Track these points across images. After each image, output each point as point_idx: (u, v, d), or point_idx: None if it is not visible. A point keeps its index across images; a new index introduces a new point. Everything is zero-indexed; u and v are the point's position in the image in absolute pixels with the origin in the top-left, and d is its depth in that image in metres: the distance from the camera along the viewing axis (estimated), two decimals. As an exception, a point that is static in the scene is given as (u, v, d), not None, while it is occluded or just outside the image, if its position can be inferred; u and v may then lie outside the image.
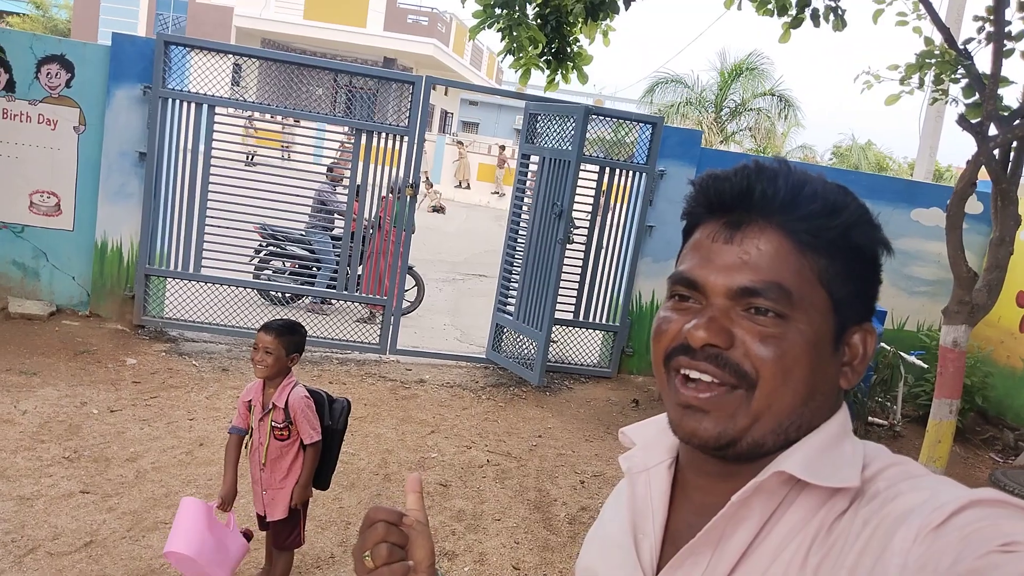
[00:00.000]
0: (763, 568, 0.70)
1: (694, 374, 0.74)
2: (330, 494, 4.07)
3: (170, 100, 6.05)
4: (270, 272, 7.36)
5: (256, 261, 7.25)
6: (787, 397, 0.72)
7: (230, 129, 6.43)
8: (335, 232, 7.00)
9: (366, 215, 6.49)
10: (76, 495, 3.74)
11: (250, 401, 3.05)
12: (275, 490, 3.03)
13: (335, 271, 6.59)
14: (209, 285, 6.36)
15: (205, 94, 6.08)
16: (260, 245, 7.24)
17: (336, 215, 7.04)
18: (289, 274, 7.10)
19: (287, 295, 7.39)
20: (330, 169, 7.25)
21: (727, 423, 0.72)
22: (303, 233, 7.14)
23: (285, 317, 3.52)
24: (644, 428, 0.90)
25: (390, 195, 6.49)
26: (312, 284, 7.09)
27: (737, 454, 0.74)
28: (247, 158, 8.14)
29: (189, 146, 6.14)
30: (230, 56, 6.26)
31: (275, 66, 6.32)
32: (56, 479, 3.86)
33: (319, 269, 7.03)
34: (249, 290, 6.48)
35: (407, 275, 8.21)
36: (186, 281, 6.33)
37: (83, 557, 3.27)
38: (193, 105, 6.09)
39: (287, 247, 7.26)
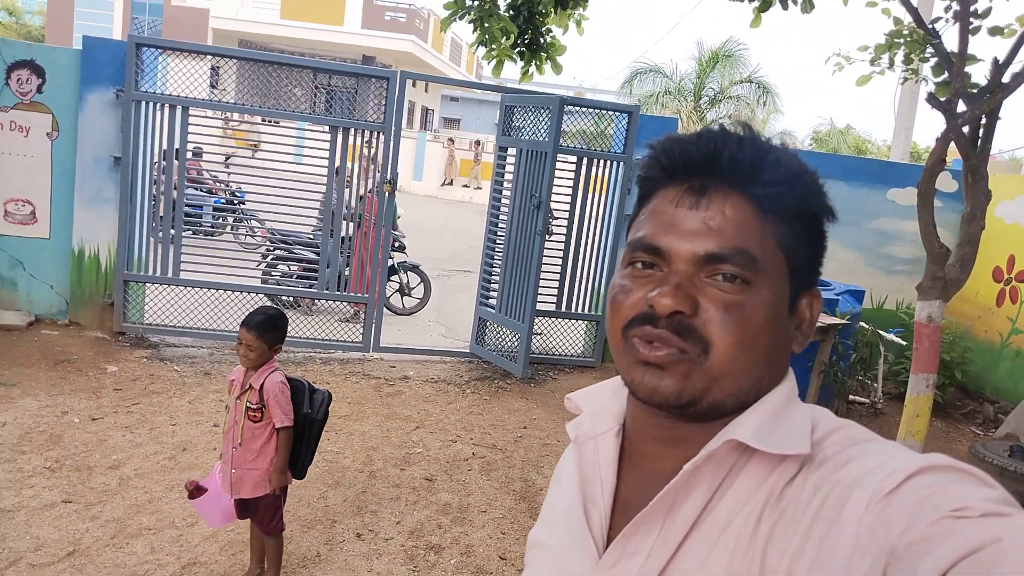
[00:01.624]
0: (715, 536, 0.69)
1: (654, 351, 0.72)
2: (315, 492, 4.08)
3: (144, 103, 6.00)
4: (279, 276, 7.38)
5: (263, 265, 7.33)
6: (747, 362, 0.71)
7: (206, 131, 6.39)
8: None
9: (346, 213, 6.47)
10: (58, 505, 3.72)
11: (233, 380, 3.15)
12: (244, 470, 3.08)
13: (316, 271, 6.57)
14: (189, 289, 6.33)
15: (179, 95, 6.04)
16: (268, 249, 7.26)
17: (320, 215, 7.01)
18: (297, 277, 7.13)
19: (295, 298, 7.41)
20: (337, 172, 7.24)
21: (685, 382, 0.71)
22: (311, 236, 7.15)
23: (266, 306, 3.56)
24: (591, 394, 0.89)
25: (370, 193, 6.48)
26: (298, 285, 7.08)
27: (696, 413, 0.73)
28: (225, 160, 8.12)
29: (165, 148, 6.10)
30: (206, 57, 6.22)
31: (252, 66, 6.28)
32: (38, 489, 3.84)
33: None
34: (229, 292, 6.45)
35: (415, 275, 8.23)
36: (166, 286, 6.30)
37: (66, 567, 3.25)
38: (167, 107, 6.05)
39: (294, 250, 7.26)
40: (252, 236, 10.01)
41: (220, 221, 10.08)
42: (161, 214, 6.13)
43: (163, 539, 3.52)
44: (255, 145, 8.11)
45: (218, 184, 10.56)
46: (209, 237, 9.85)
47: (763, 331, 0.72)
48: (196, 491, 3.08)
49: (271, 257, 7.33)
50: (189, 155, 8.70)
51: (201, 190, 10.87)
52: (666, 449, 0.77)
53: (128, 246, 6.13)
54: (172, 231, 6.17)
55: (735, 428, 0.71)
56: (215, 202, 10.92)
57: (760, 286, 0.72)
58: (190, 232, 9.32)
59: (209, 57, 6.25)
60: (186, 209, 9.27)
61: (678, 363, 0.71)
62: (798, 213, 0.75)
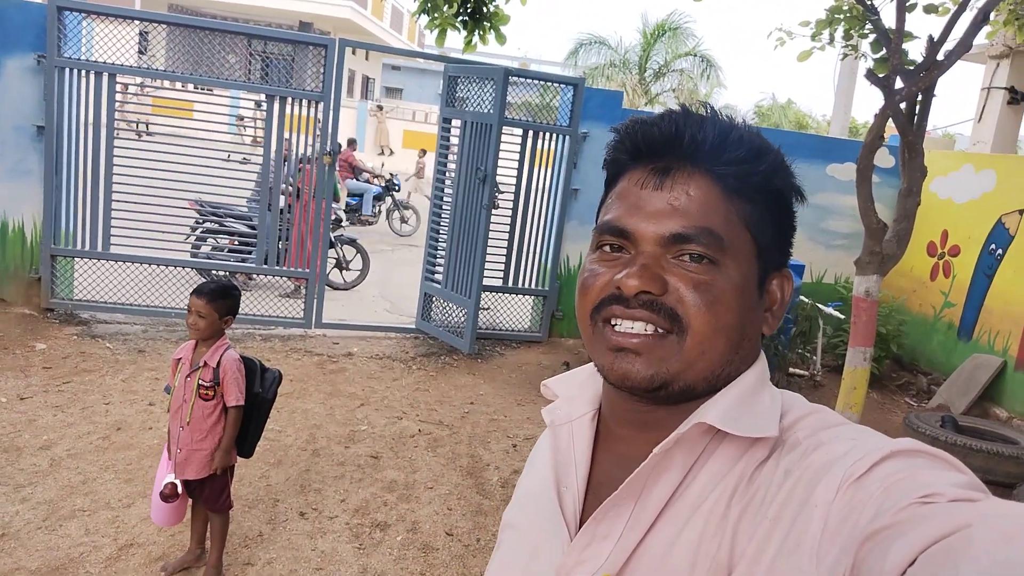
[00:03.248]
0: (685, 518, 0.69)
1: (626, 325, 0.72)
2: (257, 471, 4.00)
3: (67, 70, 5.72)
4: (208, 249, 7.16)
5: (193, 238, 7.05)
6: (720, 343, 0.71)
7: (133, 99, 6.12)
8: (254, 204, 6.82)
9: (284, 186, 6.31)
10: (-16, 488, 3.57)
11: (180, 359, 3.06)
12: (190, 450, 3.00)
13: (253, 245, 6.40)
14: (121, 264, 6.10)
15: (105, 62, 5.77)
16: (196, 222, 7.03)
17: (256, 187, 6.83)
18: (228, 250, 6.92)
19: (230, 273, 7.22)
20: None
21: (659, 365, 0.71)
22: (247, 208, 6.98)
23: (218, 278, 3.47)
24: (567, 380, 0.89)
25: (308, 164, 6.31)
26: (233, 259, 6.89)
27: (668, 396, 0.73)
28: (137, 128, 7.87)
29: (90, 118, 5.83)
30: (134, 23, 5.94)
31: (183, 32, 6.02)
32: (-39, 473, 3.67)
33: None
34: (163, 267, 6.24)
35: (352, 248, 8.11)
36: (96, 260, 6.05)
37: (-6, 552, 3.13)
38: (93, 75, 5.78)
39: (225, 223, 7.04)
40: (406, 223, 12.30)
41: (376, 210, 11.75)
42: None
43: (98, 521, 3.41)
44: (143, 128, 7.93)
45: (375, 174, 12.32)
46: (367, 225, 11.85)
47: (731, 310, 0.71)
48: (172, 495, 2.98)
49: (200, 230, 7.10)
50: (344, 146, 10.59)
51: (359, 179, 12.22)
52: (638, 433, 0.78)
53: (55, 219, 5.87)
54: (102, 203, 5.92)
55: (705, 411, 0.72)
56: (374, 191, 12.14)
57: (727, 266, 0.71)
58: (348, 222, 11.24)
59: (137, 22, 5.97)
60: (348, 200, 11.27)
61: (654, 347, 0.71)
62: (763, 192, 0.74)
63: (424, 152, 17.11)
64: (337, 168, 11.47)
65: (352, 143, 13.20)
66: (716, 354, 0.72)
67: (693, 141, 0.72)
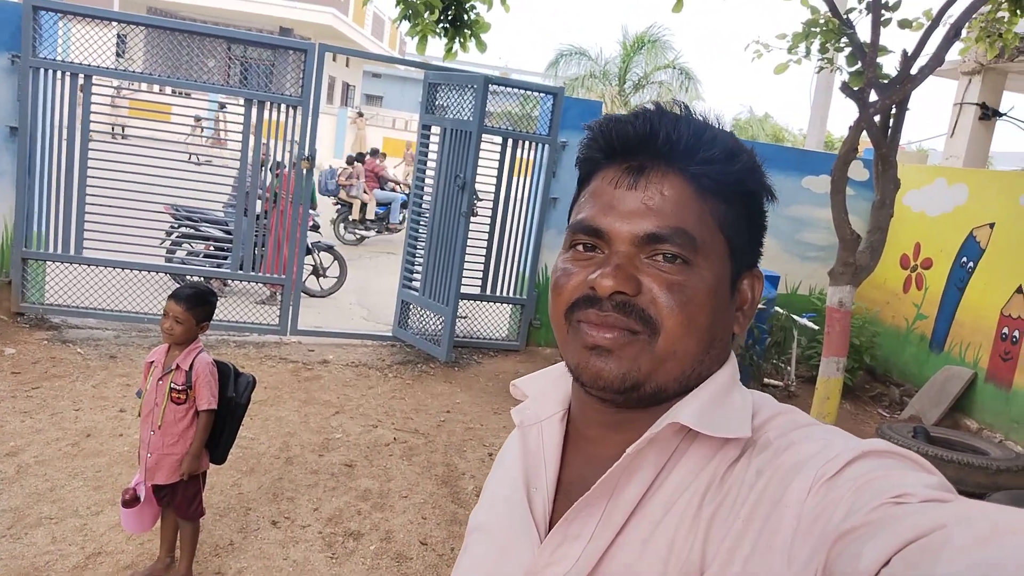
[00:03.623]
0: (657, 519, 0.69)
1: (597, 333, 0.71)
2: (229, 479, 3.95)
3: (42, 70, 5.65)
4: (183, 254, 7.09)
5: (168, 243, 6.99)
6: (691, 344, 0.71)
7: (109, 101, 6.06)
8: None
9: (260, 192, 6.26)
10: (-53, 496, 3.49)
11: (152, 362, 3.03)
12: (161, 454, 2.96)
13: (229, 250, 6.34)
14: (93, 268, 6.01)
15: (81, 64, 5.70)
16: (171, 227, 6.96)
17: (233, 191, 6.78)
18: (204, 256, 6.86)
19: (205, 278, 7.15)
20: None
21: (631, 365, 0.71)
22: (223, 213, 6.92)
23: (195, 282, 3.45)
24: (536, 380, 0.88)
25: (280, 168, 6.27)
26: (208, 264, 6.82)
27: (640, 398, 0.72)
28: (112, 131, 7.80)
29: (65, 119, 5.76)
30: (112, 24, 5.88)
31: (161, 35, 5.97)
32: (-77, 480, 3.59)
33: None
34: (136, 272, 6.16)
35: (329, 255, 8.07)
36: (68, 264, 5.96)
37: (-45, 561, 3.06)
38: (68, 76, 5.71)
39: (201, 228, 6.98)
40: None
41: (402, 218, 11.92)
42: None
43: (65, 528, 3.35)
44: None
45: (399, 182, 12.85)
46: (394, 232, 12.29)
47: (704, 311, 0.71)
48: (133, 501, 2.93)
49: (175, 235, 7.03)
50: (367, 155, 11.47)
51: (384, 188, 12.66)
52: (609, 433, 0.77)
53: (27, 222, 5.78)
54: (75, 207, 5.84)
55: (677, 411, 0.71)
56: (400, 199, 12.42)
57: (700, 266, 0.71)
58: (376, 232, 12.31)
59: (115, 24, 5.91)
60: (376, 210, 12.20)
61: (627, 346, 0.71)
62: (737, 192, 0.74)
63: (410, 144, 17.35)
64: (363, 178, 11.68)
65: (376, 153, 13.33)
66: (688, 355, 0.72)
67: (668, 140, 0.72)
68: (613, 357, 0.71)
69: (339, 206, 11.91)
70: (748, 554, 0.62)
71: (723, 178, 0.73)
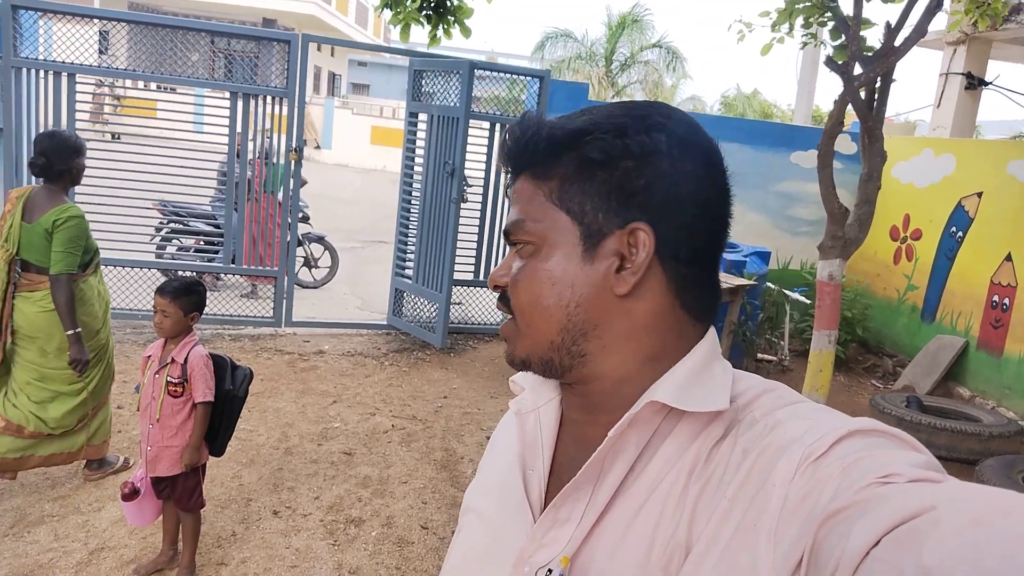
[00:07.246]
0: (642, 499, 0.70)
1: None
2: (229, 471, 3.97)
3: (24, 70, 5.61)
4: (174, 250, 7.09)
5: (158, 239, 6.98)
6: (541, 319, 0.76)
7: (91, 97, 6.02)
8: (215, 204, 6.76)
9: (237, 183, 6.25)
10: (-53, 498, 3.51)
11: (149, 357, 3.05)
12: (160, 447, 2.99)
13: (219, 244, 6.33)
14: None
15: (64, 62, 5.67)
16: (160, 223, 6.94)
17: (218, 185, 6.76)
18: (195, 251, 6.86)
19: (197, 273, 7.15)
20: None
21: (511, 346, 0.80)
22: (211, 207, 6.91)
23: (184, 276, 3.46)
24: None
25: (260, 159, 6.24)
26: (200, 259, 6.82)
27: (547, 373, 0.79)
28: (95, 122, 7.76)
29: (50, 118, 5.73)
30: (94, 21, 5.83)
31: (144, 30, 5.93)
32: (-76, 483, 3.60)
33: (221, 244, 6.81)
34: (128, 269, 6.15)
35: (319, 245, 8.05)
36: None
37: (-41, 562, 3.08)
38: (52, 75, 5.67)
39: (189, 223, 6.96)
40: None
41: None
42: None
43: (68, 526, 3.37)
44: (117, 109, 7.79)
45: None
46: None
47: (549, 286, 0.75)
48: (132, 494, 2.96)
49: (165, 231, 7.02)
50: None
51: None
52: (588, 414, 0.79)
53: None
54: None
55: (655, 390, 0.72)
56: None
57: (547, 247, 0.76)
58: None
59: (97, 21, 5.87)
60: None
61: (507, 331, 0.81)
62: (575, 167, 0.76)
63: None
64: None
65: None
66: (543, 325, 0.76)
67: (510, 151, 0.80)
68: (507, 341, 0.81)
69: None
70: (733, 534, 0.62)
71: (551, 163, 0.77)
